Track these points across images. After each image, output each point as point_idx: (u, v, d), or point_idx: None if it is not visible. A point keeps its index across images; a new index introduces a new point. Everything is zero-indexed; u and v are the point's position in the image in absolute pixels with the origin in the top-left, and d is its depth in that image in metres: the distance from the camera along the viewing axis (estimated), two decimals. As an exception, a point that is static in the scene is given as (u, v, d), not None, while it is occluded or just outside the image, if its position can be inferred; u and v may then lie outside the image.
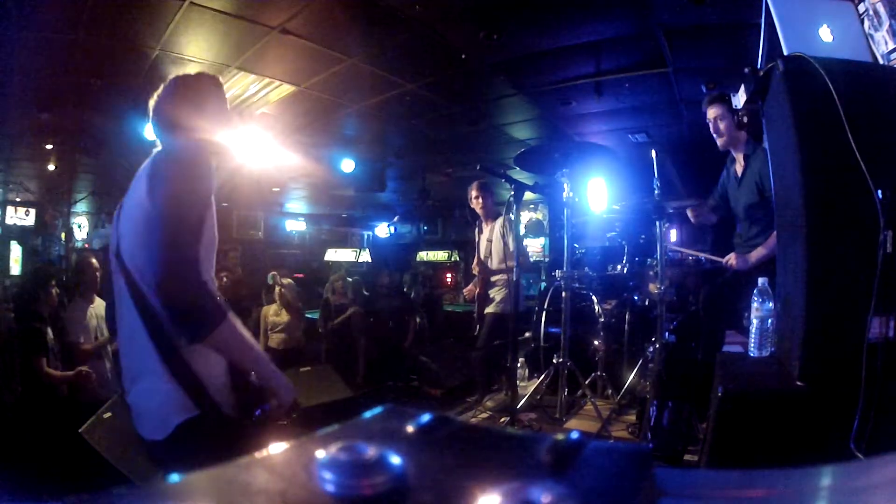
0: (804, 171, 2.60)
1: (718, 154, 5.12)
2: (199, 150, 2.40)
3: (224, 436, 2.23)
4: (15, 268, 14.89)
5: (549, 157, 5.83)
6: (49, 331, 6.17)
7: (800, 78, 2.63)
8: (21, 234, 15.32)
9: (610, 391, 6.26)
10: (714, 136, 4.90)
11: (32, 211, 15.57)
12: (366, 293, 12.10)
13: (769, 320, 3.22)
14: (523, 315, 7.20)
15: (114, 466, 4.87)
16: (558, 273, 6.04)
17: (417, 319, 10.79)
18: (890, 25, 3.23)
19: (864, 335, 2.31)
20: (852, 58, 3.17)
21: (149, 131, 2.74)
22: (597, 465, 0.53)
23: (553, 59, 7.95)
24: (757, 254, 4.68)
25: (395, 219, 19.10)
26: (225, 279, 8.23)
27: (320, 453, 0.51)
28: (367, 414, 0.66)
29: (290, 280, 9.27)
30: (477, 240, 7.22)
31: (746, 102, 3.66)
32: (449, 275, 19.10)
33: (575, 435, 0.57)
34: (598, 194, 6.62)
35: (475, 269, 6.95)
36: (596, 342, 6.56)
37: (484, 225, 7.20)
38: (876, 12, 3.32)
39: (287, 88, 8.82)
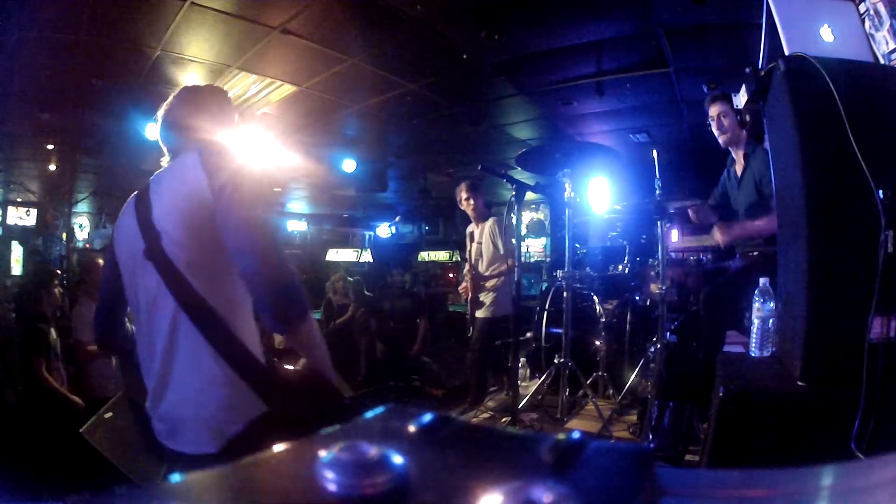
0: (805, 171, 2.60)
1: (719, 154, 5.12)
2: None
3: (293, 432, 2.07)
4: (16, 268, 14.91)
5: (550, 157, 5.83)
6: (52, 331, 6.17)
7: (801, 78, 2.63)
8: (22, 234, 15.35)
9: (611, 391, 6.26)
10: (716, 132, 4.90)
11: (34, 211, 15.60)
12: (368, 293, 12.09)
13: (770, 320, 3.22)
14: (516, 317, 7.22)
15: (113, 466, 4.88)
16: (560, 273, 6.04)
17: (424, 320, 10.78)
18: (891, 25, 3.23)
19: (866, 335, 2.31)
20: (853, 58, 3.16)
21: (172, 132, 2.64)
22: (598, 465, 0.53)
23: (554, 59, 7.96)
24: (740, 227, 4.71)
25: (397, 219, 19.09)
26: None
27: (322, 453, 0.51)
28: (369, 414, 0.66)
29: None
30: (468, 244, 7.20)
31: (747, 102, 3.66)
32: (451, 274, 19.11)
33: (576, 435, 0.57)
34: (599, 194, 6.62)
35: (467, 275, 6.93)
36: (597, 342, 6.56)
37: (474, 226, 7.16)
38: (877, 12, 3.32)
39: (288, 88, 8.83)
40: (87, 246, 16.34)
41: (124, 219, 2.47)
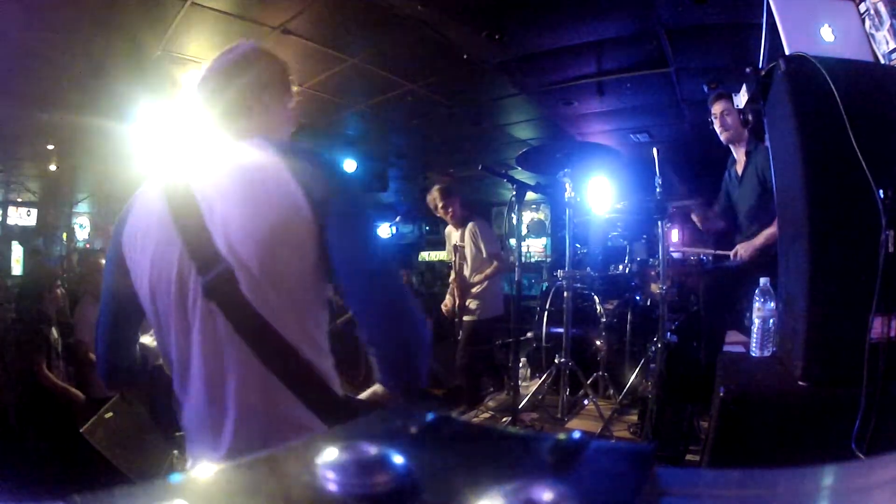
0: (806, 171, 2.60)
1: (719, 154, 5.13)
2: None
3: None
4: (16, 268, 14.92)
5: (550, 157, 5.82)
6: (53, 330, 6.17)
7: (801, 78, 2.64)
8: (22, 234, 15.35)
9: (611, 391, 6.25)
10: (719, 130, 4.92)
11: (34, 211, 15.60)
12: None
13: (771, 320, 3.22)
14: (505, 318, 7.20)
15: (113, 466, 4.88)
16: (560, 273, 6.04)
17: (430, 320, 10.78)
18: (891, 25, 3.23)
19: (866, 335, 2.31)
20: (854, 57, 3.17)
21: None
22: (598, 465, 0.53)
23: (555, 59, 7.96)
24: (760, 238, 4.69)
25: (397, 219, 19.06)
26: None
27: (323, 453, 0.51)
28: (370, 413, 0.66)
29: None
30: (447, 245, 7.22)
31: (748, 102, 3.66)
32: (451, 274, 19.05)
33: (576, 435, 0.57)
34: (600, 194, 6.61)
35: (453, 284, 6.90)
36: (598, 342, 6.56)
37: (453, 230, 7.14)
38: (877, 12, 3.32)
39: (289, 88, 8.82)
40: (88, 246, 16.34)
41: (145, 222, 1.87)
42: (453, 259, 6.98)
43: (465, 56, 7.77)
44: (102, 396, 5.70)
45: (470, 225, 6.81)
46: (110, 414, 5.31)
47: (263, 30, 6.90)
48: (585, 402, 5.92)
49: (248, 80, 2.06)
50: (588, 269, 7.17)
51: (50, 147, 11.22)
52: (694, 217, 5.38)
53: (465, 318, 6.85)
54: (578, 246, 7.55)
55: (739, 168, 4.95)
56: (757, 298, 3.26)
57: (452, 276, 6.97)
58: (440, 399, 7.70)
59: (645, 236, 6.75)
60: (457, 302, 6.86)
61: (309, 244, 1.74)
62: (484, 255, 6.69)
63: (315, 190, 1.73)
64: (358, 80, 8.53)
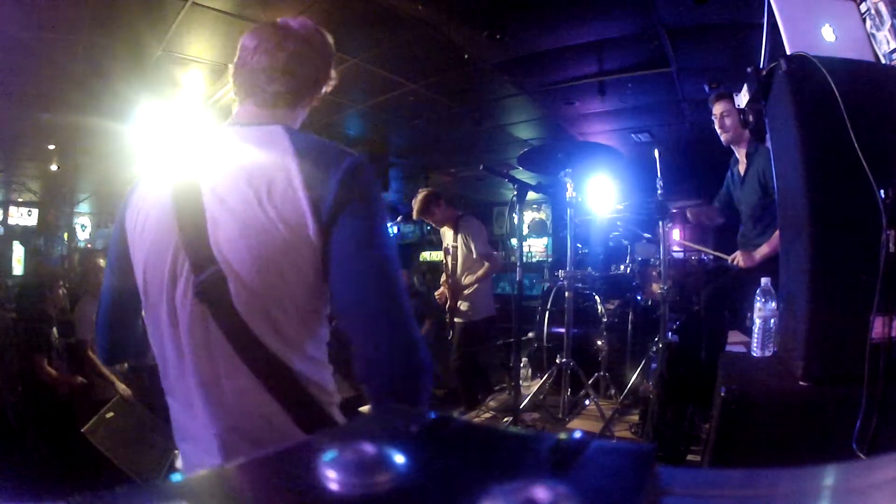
0: (807, 171, 2.60)
1: (721, 154, 5.13)
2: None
3: None
4: (17, 268, 14.92)
5: (552, 157, 5.81)
6: (54, 330, 6.17)
7: (802, 77, 2.64)
8: (23, 233, 15.35)
9: (613, 391, 6.26)
10: (719, 131, 4.91)
11: (35, 211, 15.60)
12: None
13: (772, 320, 3.22)
14: (497, 319, 7.19)
15: (114, 466, 4.89)
16: (561, 273, 6.04)
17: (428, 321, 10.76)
18: (892, 25, 3.23)
19: (867, 335, 2.31)
20: (855, 57, 3.17)
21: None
22: (599, 465, 0.53)
23: (556, 59, 7.96)
24: (762, 251, 4.68)
25: (399, 219, 19.06)
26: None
27: (324, 452, 0.51)
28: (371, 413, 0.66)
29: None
30: (445, 245, 7.16)
31: (749, 102, 3.67)
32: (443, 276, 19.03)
33: (578, 434, 0.57)
34: (601, 194, 6.61)
35: (445, 285, 6.91)
36: (599, 342, 6.56)
37: (448, 231, 7.11)
38: (878, 12, 3.32)
39: (290, 88, 8.81)
40: (89, 246, 16.34)
41: (148, 207, 1.82)
42: (445, 260, 6.97)
43: (466, 56, 7.77)
44: (104, 398, 5.71)
45: (463, 225, 6.82)
46: (111, 414, 5.32)
47: (264, 30, 6.89)
48: (587, 402, 5.92)
49: (312, 57, 2.12)
50: (589, 268, 7.18)
51: (51, 147, 11.22)
52: (688, 213, 5.38)
53: (457, 319, 6.86)
54: (580, 246, 7.55)
55: (741, 168, 4.95)
56: (758, 298, 3.26)
57: (444, 277, 6.95)
58: (441, 399, 7.70)
59: (646, 236, 6.73)
60: (448, 303, 6.85)
61: (308, 258, 1.66)
62: (474, 256, 6.68)
63: (323, 202, 1.64)
64: (359, 80, 8.52)
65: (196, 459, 1.78)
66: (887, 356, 2.28)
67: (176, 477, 0.54)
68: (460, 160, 13.27)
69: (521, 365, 6.57)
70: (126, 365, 6.10)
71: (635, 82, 8.56)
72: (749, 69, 3.20)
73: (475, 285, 6.77)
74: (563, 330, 5.73)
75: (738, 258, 4.87)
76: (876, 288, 2.29)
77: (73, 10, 6.17)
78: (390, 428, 0.62)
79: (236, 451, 1.66)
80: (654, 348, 5.74)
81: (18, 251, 15.15)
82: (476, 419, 5.83)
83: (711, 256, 5.69)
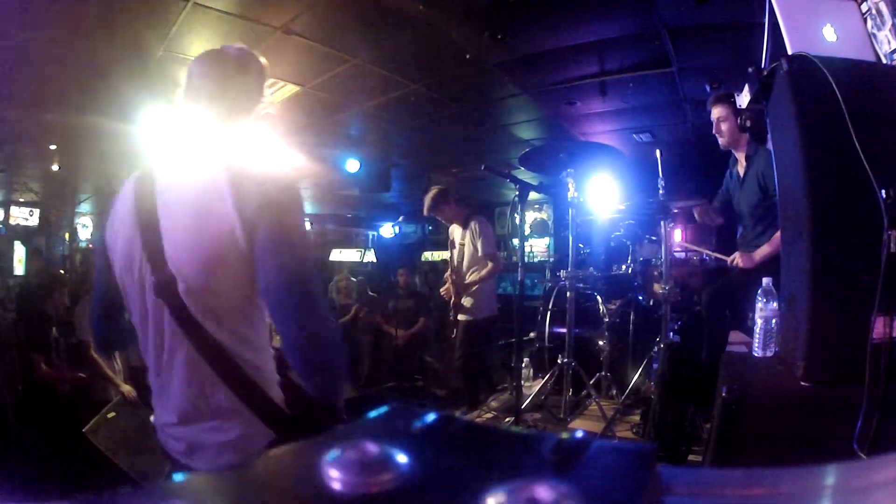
0: (808, 171, 2.60)
1: (722, 154, 5.13)
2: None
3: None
4: (18, 268, 14.93)
5: (553, 157, 5.81)
6: (54, 330, 6.18)
7: (803, 77, 2.64)
8: (25, 234, 15.36)
9: (614, 391, 6.26)
10: (716, 135, 4.91)
11: (36, 211, 15.61)
12: (371, 293, 12.10)
13: (773, 320, 3.22)
14: (499, 319, 7.20)
15: (115, 466, 4.89)
16: (563, 273, 6.04)
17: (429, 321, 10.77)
18: (893, 24, 3.23)
19: (868, 335, 2.31)
20: (856, 57, 3.17)
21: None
22: (601, 464, 0.54)
23: (557, 59, 7.97)
24: (762, 252, 4.68)
25: (400, 219, 19.08)
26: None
27: (326, 452, 0.51)
28: (373, 413, 0.66)
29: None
30: (450, 247, 7.24)
31: (750, 102, 3.66)
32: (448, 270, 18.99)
33: (579, 434, 0.57)
34: (602, 194, 6.61)
35: (450, 278, 6.91)
36: (600, 342, 6.56)
37: (456, 229, 7.19)
38: (878, 11, 3.32)
39: (291, 89, 8.83)
40: (90, 246, 16.36)
41: (121, 217, 2.21)
42: (451, 256, 6.99)
43: (467, 56, 7.77)
44: (105, 398, 5.71)
45: (472, 223, 6.85)
46: (113, 414, 5.32)
47: (266, 30, 6.90)
48: (588, 402, 5.92)
49: (242, 82, 2.30)
50: (591, 269, 7.17)
51: (52, 147, 11.22)
52: (695, 212, 5.38)
53: (461, 317, 6.87)
54: (581, 246, 7.55)
55: (741, 170, 4.94)
56: (759, 298, 3.26)
57: (448, 272, 6.97)
58: (443, 399, 7.72)
59: (647, 236, 6.73)
60: (452, 300, 6.87)
61: (241, 262, 2.02)
62: (480, 255, 6.70)
63: (248, 215, 2.00)
64: (360, 81, 8.53)
65: (160, 414, 2.25)
66: (888, 356, 2.28)
67: (177, 477, 0.54)
68: (462, 160, 13.26)
69: (523, 365, 6.57)
70: (126, 365, 6.12)
71: (636, 82, 8.56)
72: (750, 69, 3.20)
73: (479, 284, 6.78)
74: (564, 330, 5.73)
75: (737, 259, 4.87)
76: (877, 288, 2.29)
77: (74, 10, 6.17)
78: (392, 427, 0.62)
79: (195, 422, 2.12)
80: (656, 348, 5.74)
81: (20, 251, 15.16)
82: (478, 419, 5.83)
83: (712, 257, 5.70)
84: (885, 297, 2.29)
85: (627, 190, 7.12)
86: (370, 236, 21.82)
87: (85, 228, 17.02)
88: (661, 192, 5.23)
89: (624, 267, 6.95)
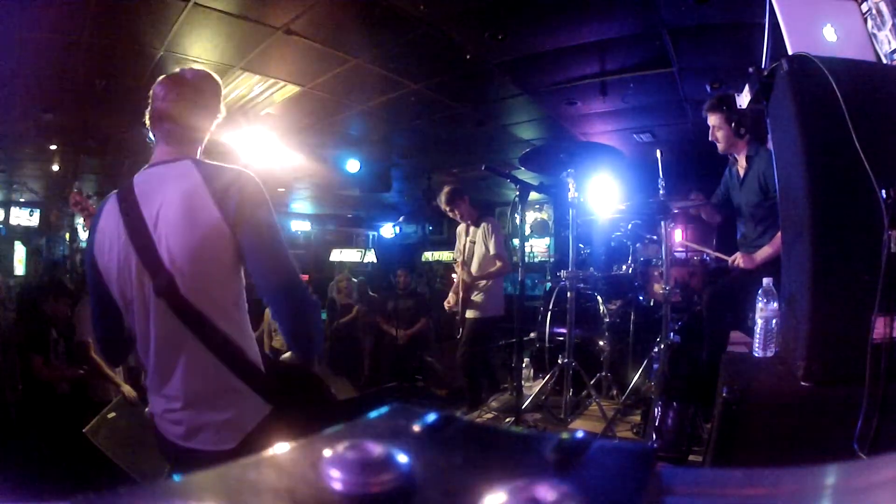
0: (808, 171, 2.60)
1: (722, 154, 5.13)
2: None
3: (296, 424, 2.40)
4: (19, 268, 14.93)
5: (554, 157, 5.82)
6: (53, 331, 6.17)
7: (804, 77, 2.64)
8: (25, 234, 15.37)
9: (615, 391, 6.27)
10: (712, 140, 4.92)
11: (37, 211, 15.62)
12: (371, 293, 12.10)
13: (773, 320, 3.22)
14: (505, 320, 7.21)
15: (116, 466, 4.89)
16: (563, 273, 6.04)
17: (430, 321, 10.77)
18: (893, 24, 3.23)
19: (869, 335, 2.31)
20: (856, 57, 3.17)
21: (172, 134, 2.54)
22: (601, 464, 0.54)
23: (558, 59, 7.96)
24: (763, 253, 4.67)
25: (401, 219, 19.08)
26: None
27: (327, 452, 0.51)
28: (373, 413, 0.66)
29: None
30: (458, 244, 7.29)
31: (750, 102, 3.66)
32: (454, 274, 18.99)
33: (580, 434, 0.57)
34: (603, 194, 6.62)
35: (463, 275, 6.92)
36: (601, 342, 6.57)
37: (465, 227, 7.20)
38: (879, 11, 3.32)
39: (292, 89, 8.84)
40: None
41: (109, 234, 2.43)
42: (461, 256, 7.01)
43: (467, 56, 7.77)
44: (105, 398, 5.71)
45: (484, 224, 6.89)
46: (113, 414, 5.32)
47: (266, 30, 6.91)
48: (588, 402, 5.92)
49: (176, 104, 2.50)
50: (591, 269, 7.19)
51: (52, 147, 11.23)
52: (702, 213, 5.37)
53: (469, 314, 6.89)
54: (582, 246, 7.55)
55: (741, 170, 4.94)
56: (760, 299, 3.26)
57: (459, 271, 6.99)
58: (444, 399, 7.72)
59: (648, 236, 6.73)
60: (461, 296, 6.88)
61: (227, 249, 2.32)
62: (491, 254, 6.72)
63: (228, 207, 2.29)
64: (361, 81, 8.54)
65: (158, 402, 2.44)
66: (888, 356, 2.28)
67: (178, 476, 0.54)
68: (462, 160, 13.26)
69: (523, 365, 6.58)
70: (125, 366, 6.13)
71: (637, 82, 8.56)
72: (750, 69, 3.20)
73: (488, 282, 6.80)
74: (565, 330, 5.74)
75: (738, 259, 4.87)
76: (877, 288, 2.29)
77: (75, 11, 6.18)
78: (393, 427, 0.62)
79: (197, 404, 2.35)
80: (656, 349, 5.74)
81: (20, 251, 15.16)
82: (478, 419, 5.83)
83: (713, 257, 5.70)
84: (885, 297, 2.29)
85: (628, 190, 7.12)
86: (370, 236, 21.82)
87: (85, 229, 16.99)
88: (661, 192, 5.23)
89: (624, 267, 6.96)
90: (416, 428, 0.61)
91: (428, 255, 19.99)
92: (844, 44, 3.40)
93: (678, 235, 8.46)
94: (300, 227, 21.17)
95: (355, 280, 12.86)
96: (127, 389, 5.84)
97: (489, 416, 6.19)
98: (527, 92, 9.31)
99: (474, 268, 6.88)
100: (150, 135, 2.58)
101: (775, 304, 3.20)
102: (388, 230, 20.51)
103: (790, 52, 3.29)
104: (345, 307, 11.74)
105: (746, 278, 4.52)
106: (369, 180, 13.41)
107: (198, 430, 2.36)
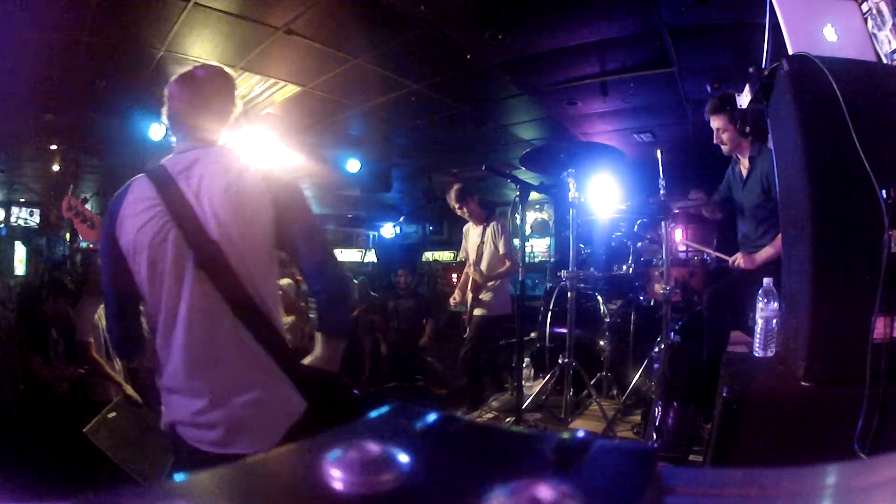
0: (809, 171, 2.60)
1: (723, 154, 5.12)
2: None
3: (324, 424, 2.28)
4: (19, 268, 14.92)
5: (554, 157, 5.83)
6: (53, 331, 6.17)
7: (804, 77, 2.64)
8: (25, 234, 15.36)
9: (615, 391, 6.27)
10: (718, 144, 4.91)
11: (37, 211, 15.62)
12: (372, 293, 12.09)
13: (774, 320, 3.22)
14: (511, 319, 7.21)
15: (117, 466, 4.89)
16: (564, 273, 6.04)
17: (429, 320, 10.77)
18: (893, 24, 3.23)
19: (869, 335, 2.31)
20: (856, 57, 3.17)
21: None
22: (602, 464, 0.54)
23: (558, 59, 7.96)
24: (764, 254, 4.67)
25: (401, 219, 19.07)
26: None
27: (328, 451, 0.51)
28: (374, 413, 0.67)
29: (288, 280, 9.23)
30: (465, 243, 7.34)
31: (751, 102, 3.67)
32: (454, 275, 19.01)
33: (580, 434, 0.58)
34: (603, 194, 6.62)
35: (475, 275, 6.92)
36: (601, 342, 6.56)
37: (474, 227, 7.23)
38: (879, 11, 3.32)
39: (292, 89, 8.83)
40: (91, 247, 16.32)
41: (138, 213, 2.31)
42: (472, 256, 7.03)
43: (468, 56, 7.77)
44: (105, 398, 5.71)
45: (494, 223, 6.95)
46: (113, 414, 5.32)
47: (266, 30, 6.91)
48: (589, 402, 5.92)
49: (219, 95, 2.56)
50: (592, 269, 7.19)
51: (53, 147, 11.23)
52: (703, 211, 5.37)
53: (476, 311, 6.91)
54: (582, 246, 7.55)
55: (744, 170, 4.93)
56: (760, 299, 3.26)
57: (467, 269, 7.02)
58: (444, 399, 7.73)
59: (648, 236, 6.73)
60: (471, 295, 6.90)
61: (270, 227, 2.35)
62: (500, 253, 6.75)
63: (273, 186, 2.36)
64: (361, 81, 8.54)
65: (184, 404, 2.29)
66: (889, 356, 2.28)
67: (179, 476, 0.54)
68: (462, 160, 13.25)
69: (524, 365, 6.58)
70: (125, 366, 6.13)
71: (637, 82, 8.56)
72: (751, 69, 3.20)
73: (497, 281, 6.83)
74: (565, 330, 5.73)
75: (739, 260, 4.87)
76: (877, 288, 2.29)
77: (75, 10, 6.18)
78: (393, 427, 0.63)
79: (234, 397, 2.24)
80: (657, 348, 5.73)
81: (21, 251, 15.15)
82: (478, 419, 5.84)
83: (713, 257, 5.70)
84: (885, 297, 2.29)
85: (628, 190, 7.12)
86: (371, 236, 21.80)
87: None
88: (661, 192, 5.22)
89: (625, 267, 6.96)
90: (417, 428, 0.61)
91: (428, 255, 19.96)
92: (844, 44, 3.41)
93: (678, 235, 8.47)
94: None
95: (356, 280, 12.85)
96: (128, 389, 5.84)
97: (489, 415, 6.19)
98: (527, 92, 9.31)
99: (484, 267, 6.91)
100: (169, 132, 2.57)
101: (776, 304, 3.20)
102: (388, 230, 20.48)
103: (790, 52, 3.29)
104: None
105: (747, 278, 4.52)
106: (369, 180, 13.42)
107: (238, 431, 2.22)
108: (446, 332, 10.45)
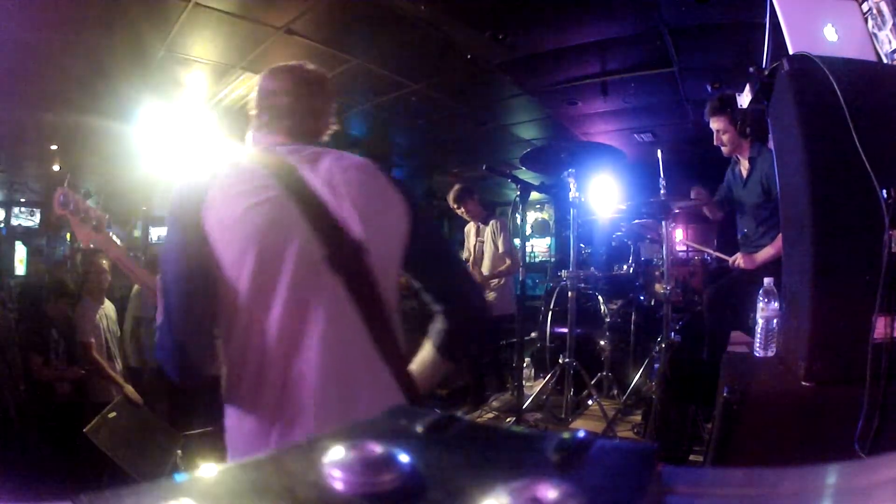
0: (809, 171, 2.59)
1: (724, 155, 5.12)
2: None
3: None
4: (20, 268, 14.91)
5: (555, 157, 5.83)
6: (54, 331, 6.17)
7: (805, 77, 2.63)
8: (25, 234, 15.35)
9: (616, 391, 6.26)
10: (718, 146, 4.92)
11: (37, 211, 15.60)
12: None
13: (774, 320, 3.22)
14: (514, 318, 7.22)
15: (117, 466, 4.89)
16: (564, 273, 6.04)
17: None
18: (893, 24, 3.23)
19: (869, 335, 2.31)
20: (857, 57, 3.17)
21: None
22: (602, 464, 0.54)
23: (559, 59, 7.97)
24: (764, 254, 4.68)
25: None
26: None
27: (329, 451, 0.51)
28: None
29: None
30: (466, 243, 7.40)
31: (751, 102, 3.66)
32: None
33: (581, 433, 0.57)
34: (604, 194, 6.62)
35: (476, 275, 6.93)
36: (602, 342, 6.56)
37: (473, 226, 7.30)
38: (879, 11, 3.32)
39: (292, 89, 8.81)
40: (91, 247, 16.30)
41: (252, 194, 1.85)
42: (472, 254, 7.06)
43: (468, 56, 7.77)
44: (105, 400, 5.71)
45: (493, 222, 7.04)
46: (114, 414, 5.32)
47: (267, 30, 6.91)
48: (589, 402, 5.91)
49: (330, 96, 2.49)
50: (592, 269, 7.19)
51: (53, 147, 11.22)
52: (705, 210, 5.37)
53: None
54: (583, 246, 7.55)
55: (744, 170, 4.94)
56: (760, 298, 3.26)
57: (471, 270, 7.03)
58: (444, 399, 7.72)
59: (649, 236, 6.74)
60: None
61: (402, 237, 2.04)
62: (500, 252, 6.77)
63: (406, 194, 2.10)
64: (361, 81, 8.53)
65: (290, 436, 1.78)
66: (889, 356, 2.28)
67: (181, 476, 0.54)
68: (463, 160, 13.26)
69: (524, 365, 6.58)
70: (125, 366, 6.13)
71: (638, 82, 8.57)
72: (751, 69, 3.20)
73: (500, 280, 6.85)
74: (566, 330, 5.73)
75: (739, 260, 4.87)
76: (878, 288, 2.29)
77: (75, 10, 6.17)
78: (394, 427, 0.63)
79: (342, 417, 1.76)
80: (657, 348, 5.74)
81: (21, 251, 15.14)
82: (479, 419, 5.84)
83: (714, 257, 5.70)
84: (885, 296, 2.29)
85: (629, 190, 7.13)
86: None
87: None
88: (662, 192, 5.23)
89: (625, 267, 6.96)
90: (418, 427, 0.61)
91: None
92: (845, 44, 3.40)
93: (679, 235, 8.47)
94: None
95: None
96: (128, 389, 5.84)
97: (490, 415, 6.19)
98: (527, 92, 9.31)
99: (485, 266, 6.95)
100: (259, 127, 2.26)
101: (776, 304, 3.20)
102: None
103: (791, 52, 3.29)
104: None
105: (747, 278, 4.52)
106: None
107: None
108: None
